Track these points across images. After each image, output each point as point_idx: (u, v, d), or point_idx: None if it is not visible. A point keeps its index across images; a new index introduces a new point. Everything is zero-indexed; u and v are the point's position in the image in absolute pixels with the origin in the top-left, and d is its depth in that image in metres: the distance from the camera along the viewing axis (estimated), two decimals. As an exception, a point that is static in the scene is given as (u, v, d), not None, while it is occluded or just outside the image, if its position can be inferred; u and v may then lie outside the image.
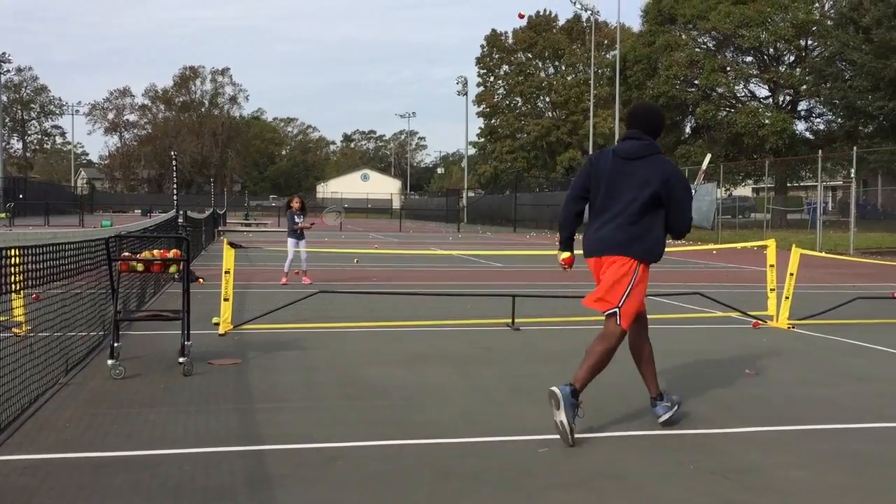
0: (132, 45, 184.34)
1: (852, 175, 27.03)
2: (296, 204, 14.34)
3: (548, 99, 69.00)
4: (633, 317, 4.94)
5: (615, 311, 4.88)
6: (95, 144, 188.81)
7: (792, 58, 46.56)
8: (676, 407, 5.14)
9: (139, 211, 63.75)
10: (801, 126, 46.36)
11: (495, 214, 55.37)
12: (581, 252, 5.19)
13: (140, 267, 6.60)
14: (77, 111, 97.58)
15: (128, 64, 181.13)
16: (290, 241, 13.95)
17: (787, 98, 46.67)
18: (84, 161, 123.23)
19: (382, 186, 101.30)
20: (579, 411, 4.62)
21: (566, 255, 5.34)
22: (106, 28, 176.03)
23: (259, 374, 6.47)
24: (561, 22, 70.16)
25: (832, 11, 40.96)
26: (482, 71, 72.24)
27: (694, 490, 3.96)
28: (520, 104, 70.81)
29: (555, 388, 4.65)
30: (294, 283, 13.37)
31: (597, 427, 5.05)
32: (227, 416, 5.21)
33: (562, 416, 4.55)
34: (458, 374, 6.58)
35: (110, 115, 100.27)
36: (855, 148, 27.45)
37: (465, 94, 69.49)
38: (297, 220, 14.05)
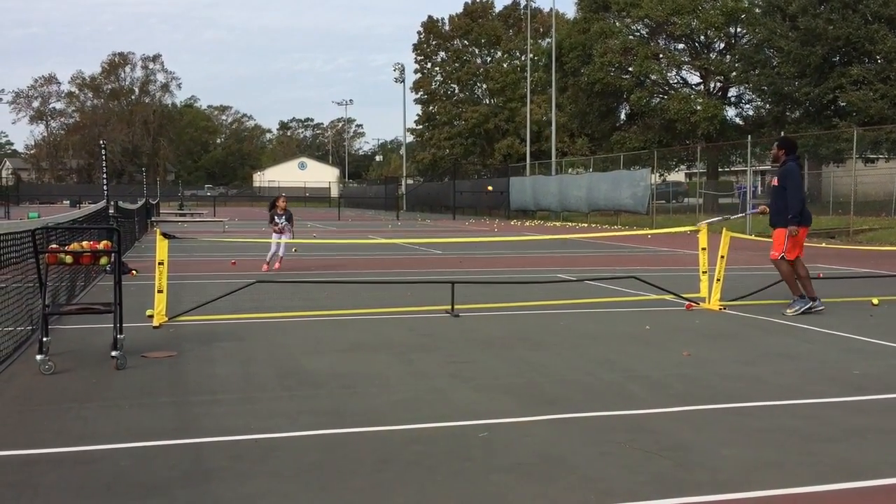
0: (55, 31, 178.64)
1: (780, 159, 27.78)
2: (281, 204, 14.58)
3: (485, 86, 69.13)
4: None
5: None
6: (20, 134, 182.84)
7: (722, 45, 47.55)
8: (801, 308, 9.08)
9: (68, 202, 61.94)
10: (731, 112, 47.46)
11: (434, 202, 55.38)
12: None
13: (69, 259, 6.42)
14: (0, 99, 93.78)
15: (52, 50, 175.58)
16: (274, 235, 14.33)
17: (718, 85, 47.69)
18: (9, 151, 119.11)
19: (320, 175, 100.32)
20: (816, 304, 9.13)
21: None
22: (24, 14, 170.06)
23: (195, 366, 6.37)
24: (498, 9, 70.36)
25: (760, -1, 41.97)
26: (419, 58, 71.94)
27: (629, 469, 4.05)
28: (456, 91, 70.83)
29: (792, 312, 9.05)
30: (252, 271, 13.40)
31: (536, 411, 5.12)
32: (162, 409, 5.12)
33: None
34: (398, 362, 6.58)
35: (35, 104, 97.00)
36: (782, 133, 28.24)
37: (403, 81, 69.16)
38: (276, 221, 14.37)
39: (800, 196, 9.17)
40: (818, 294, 9.35)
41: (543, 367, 6.46)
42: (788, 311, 9.12)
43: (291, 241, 14.59)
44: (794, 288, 9.26)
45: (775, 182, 9.39)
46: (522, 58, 62.47)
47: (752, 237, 19.42)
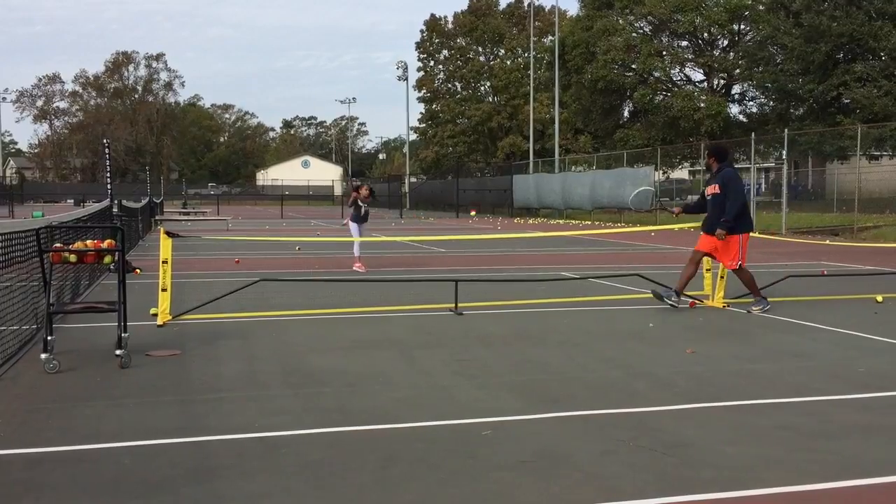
0: (60, 29, 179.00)
1: (784, 157, 27.77)
2: (364, 192, 14.18)
3: (488, 84, 69.12)
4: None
5: None
6: (24, 133, 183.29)
7: (725, 42, 47.51)
8: (765, 306, 9.01)
9: (72, 201, 62.06)
10: (734, 109, 47.43)
11: (437, 200, 55.38)
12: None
13: (73, 258, 6.44)
14: (4, 98, 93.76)
15: (56, 49, 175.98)
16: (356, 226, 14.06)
17: (722, 82, 47.62)
18: (13, 150, 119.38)
19: (324, 173, 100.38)
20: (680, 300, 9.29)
21: None
22: (28, 12, 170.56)
23: (199, 364, 6.38)
24: (501, 6, 70.31)
25: (763, -4, 41.87)
26: (422, 56, 71.96)
27: (633, 467, 4.04)
28: (459, 89, 70.82)
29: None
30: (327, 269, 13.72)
31: (539, 408, 5.12)
32: (166, 407, 5.13)
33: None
34: (401, 360, 6.59)
35: (39, 103, 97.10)
36: (786, 130, 28.17)
37: (406, 79, 69.06)
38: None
39: (740, 202, 9.08)
40: (766, 293, 9.42)
41: (546, 364, 6.46)
42: (755, 308, 9.11)
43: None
44: (755, 290, 9.22)
45: (716, 189, 9.20)
46: (526, 55, 62.47)
47: (757, 235, 19.39)
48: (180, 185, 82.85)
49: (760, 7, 41.54)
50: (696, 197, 9.74)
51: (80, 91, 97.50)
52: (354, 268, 13.64)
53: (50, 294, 6.32)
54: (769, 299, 9.27)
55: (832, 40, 34.17)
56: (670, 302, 9.17)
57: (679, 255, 17.57)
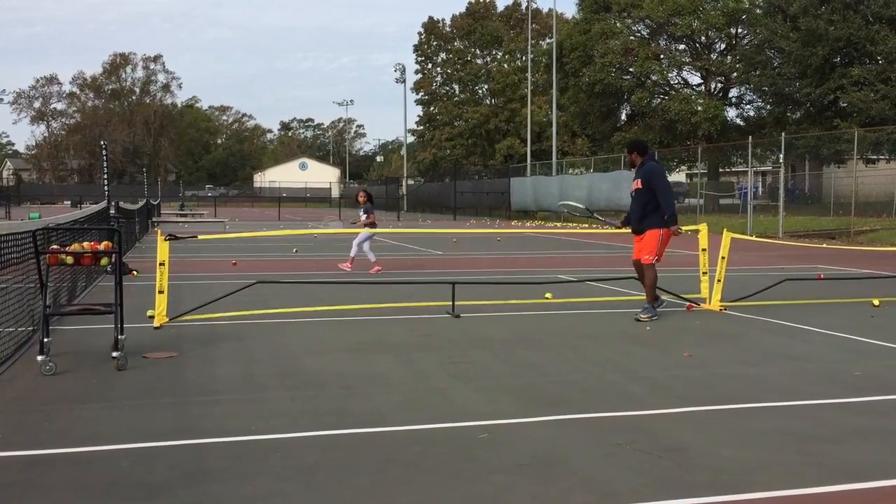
0: (58, 31, 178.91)
1: (781, 160, 27.80)
2: (361, 198, 14.74)
3: (486, 86, 69.20)
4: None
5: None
6: (22, 134, 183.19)
7: (723, 46, 47.52)
8: (653, 315, 8.74)
9: (69, 202, 61.99)
10: (732, 113, 47.38)
11: (435, 202, 55.39)
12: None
13: (69, 260, 6.43)
14: (1, 100, 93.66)
15: (54, 51, 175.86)
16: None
17: (719, 85, 47.64)
18: (10, 151, 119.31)
19: (321, 175, 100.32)
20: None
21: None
22: (28, 13, 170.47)
23: (196, 366, 6.37)
24: (499, 9, 70.44)
25: (761, 0, 41.91)
26: (420, 58, 72.04)
27: (630, 470, 4.05)
28: (457, 92, 70.89)
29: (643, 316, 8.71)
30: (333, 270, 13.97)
31: (536, 411, 5.12)
32: (163, 410, 5.12)
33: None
34: (398, 362, 6.58)
35: (37, 104, 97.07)
36: (783, 134, 28.20)
37: (403, 81, 69.11)
38: (360, 214, 14.62)
39: (671, 193, 8.83)
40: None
41: (543, 367, 6.46)
42: (643, 315, 8.75)
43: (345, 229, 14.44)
44: (651, 293, 8.87)
45: (638, 185, 8.88)
46: (523, 58, 62.53)
47: (754, 238, 19.43)
48: (178, 186, 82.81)
49: (758, 11, 41.59)
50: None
51: (78, 92, 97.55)
52: (371, 271, 13.84)
53: (46, 296, 6.31)
54: (762, 303, 9.27)
55: (829, 44, 34.22)
56: (657, 311, 8.90)
57: (676, 257, 17.59)
